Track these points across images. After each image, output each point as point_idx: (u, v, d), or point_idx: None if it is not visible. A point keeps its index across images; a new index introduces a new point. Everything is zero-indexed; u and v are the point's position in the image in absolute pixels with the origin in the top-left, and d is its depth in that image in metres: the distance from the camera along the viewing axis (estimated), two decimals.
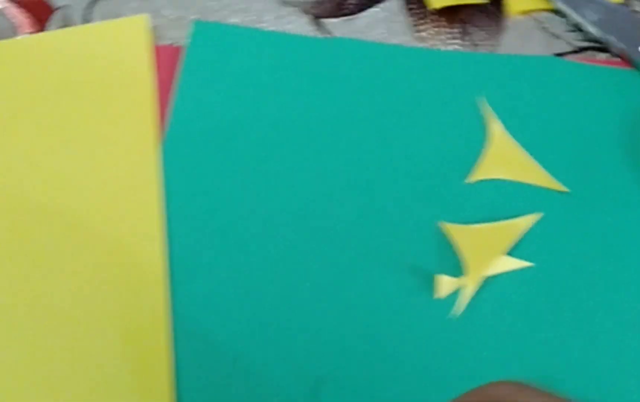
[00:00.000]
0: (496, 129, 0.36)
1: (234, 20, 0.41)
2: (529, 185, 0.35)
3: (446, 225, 0.34)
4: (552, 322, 0.32)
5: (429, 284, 0.33)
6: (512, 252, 0.33)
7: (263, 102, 0.38)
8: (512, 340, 0.31)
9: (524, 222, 0.34)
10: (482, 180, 0.35)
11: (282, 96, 0.38)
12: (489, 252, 0.33)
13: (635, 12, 0.39)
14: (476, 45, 0.39)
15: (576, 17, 0.39)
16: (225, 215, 0.34)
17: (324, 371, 0.31)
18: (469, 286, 0.32)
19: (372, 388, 0.31)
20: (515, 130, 0.36)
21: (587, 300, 0.32)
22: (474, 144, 0.36)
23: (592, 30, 0.38)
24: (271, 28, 0.41)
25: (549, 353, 0.31)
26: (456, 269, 0.33)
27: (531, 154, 0.35)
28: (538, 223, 0.34)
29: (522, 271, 0.33)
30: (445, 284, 0.32)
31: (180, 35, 0.40)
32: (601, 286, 0.32)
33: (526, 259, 0.33)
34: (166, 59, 0.39)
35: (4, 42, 0.40)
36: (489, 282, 0.33)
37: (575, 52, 0.38)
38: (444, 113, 0.37)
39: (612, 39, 0.38)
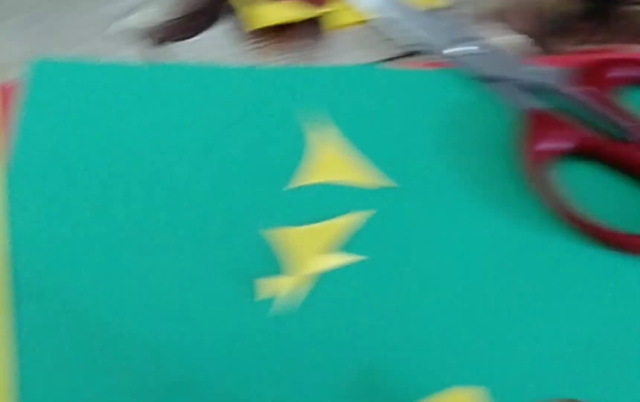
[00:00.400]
0: (319, 136, 0.37)
1: (74, 51, 0.41)
2: (349, 186, 0.35)
3: (270, 231, 0.34)
4: (384, 309, 0.33)
5: (253, 288, 0.33)
6: (346, 248, 0.34)
7: (102, 132, 0.38)
8: (349, 330, 0.32)
9: (351, 219, 0.34)
10: (307, 186, 0.36)
11: (118, 125, 0.38)
12: (313, 251, 0.34)
13: (442, 17, 0.42)
14: (297, 60, 0.40)
15: (390, 27, 0.41)
16: (68, 240, 0.35)
17: (155, 380, 0.31)
18: (290, 285, 0.33)
19: (200, 392, 0.31)
20: (335, 135, 0.37)
21: (416, 286, 0.33)
22: (298, 152, 0.37)
23: (407, 36, 0.40)
24: (111, 58, 0.41)
25: (383, 339, 0.32)
26: (280, 271, 0.33)
27: (354, 156, 0.36)
28: (371, 219, 0.35)
29: (355, 264, 0.34)
30: (264, 286, 0.33)
31: (19, 72, 0.40)
32: (427, 271, 0.33)
33: (359, 254, 0.34)
34: (6, 97, 0.39)
35: None
36: (323, 279, 0.33)
37: (390, 59, 0.40)
38: (268, 126, 0.38)
39: (424, 43, 0.40)
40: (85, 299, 0.34)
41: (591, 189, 0.35)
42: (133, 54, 0.41)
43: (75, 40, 0.42)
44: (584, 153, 0.36)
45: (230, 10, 0.43)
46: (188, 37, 0.42)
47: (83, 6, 0.43)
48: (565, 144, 0.35)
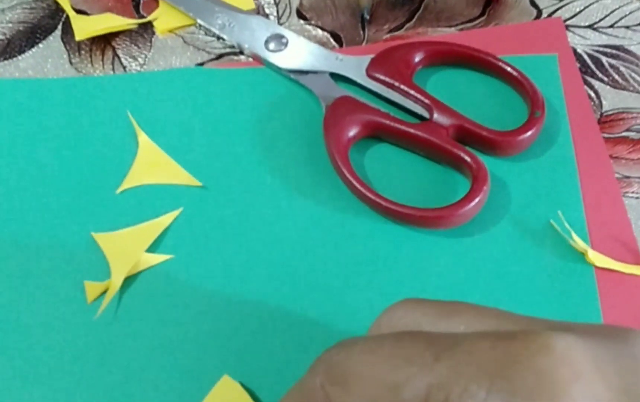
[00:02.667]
0: (142, 139, 0.39)
1: None
2: (171, 186, 0.38)
3: (95, 234, 0.36)
4: (192, 305, 0.34)
5: (84, 292, 0.35)
6: (154, 248, 0.36)
7: None
8: (159, 328, 0.34)
9: (164, 220, 0.37)
10: (131, 189, 0.38)
11: None
12: (131, 253, 0.36)
13: (264, 15, 0.44)
14: (125, 67, 0.42)
15: (213, 29, 0.43)
16: None
17: None
18: (112, 287, 0.35)
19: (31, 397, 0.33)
20: (161, 138, 0.39)
21: (222, 280, 0.35)
22: (126, 157, 0.39)
23: (227, 37, 0.42)
24: None
25: (192, 333, 0.34)
26: (107, 274, 0.35)
27: (174, 158, 0.39)
28: (178, 218, 0.37)
29: (163, 264, 0.36)
30: (92, 288, 0.35)
31: None
32: (235, 266, 0.35)
33: (168, 253, 0.36)
34: None
35: None
36: (134, 280, 0.35)
37: (214, 59, 0.42)
38: (97, 134, 0.40)
39: (243, 43, 0.42)
40: None
41: (389, 169, 0.38)
42: None
43: None
44: (383, 136, 0.38)
45: (64, 23, 0.44)
46: (24, 52, 0.43)
47: None
48: (365, 130, 0.38)
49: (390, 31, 0.43)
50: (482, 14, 0.43)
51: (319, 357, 0.24)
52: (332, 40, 0.43)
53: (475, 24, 0.43)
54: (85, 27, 0.43)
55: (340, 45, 0.42)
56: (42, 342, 0.34)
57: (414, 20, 0.43)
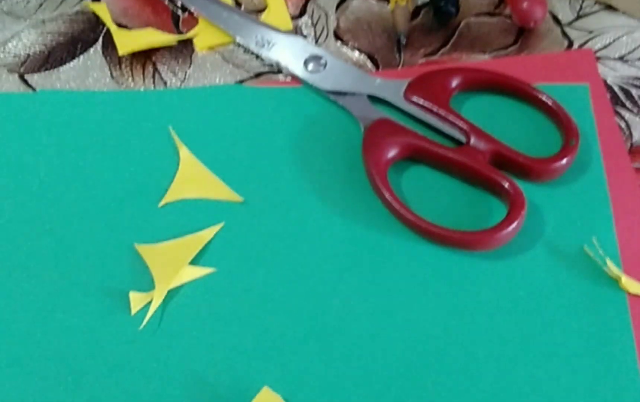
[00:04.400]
0: (183, 154, 0.40)
1: None
2: (212, 200, 0.39)
3: (139, 246, 0.37)
4: (234, 319, 0.35)
5: (128, 303, 0.36)
6: (196, 262, 0.37)
7: None
8: (202, 340, 0.35)
9: (207, 234, 0.37)
10: (173, 202, 0.39)
11: None
12: (175, 265, 0.36)
13: (302, 36, 0.45)
14: (165, 82, 0.43)
15: (252, 47, 0.44)
16: None
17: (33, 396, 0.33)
18: (156, 298, 0.36)
19: None
20: (201, 153, 0.40)
21: (264, 295, 0.36)
22: (168, 171, 0.40)
23: (266, 56, 0.43)
24: None
25: (234, 345, 0.34)
26: (150, 285, 0.36)
27: (215, 173, 0.39)
28: (219, 232, 0.38)
29: (206, 277, 0.36)
30: (136, 299, 0.36)
31: None
32: (276, 281, 0.36)
33: (210, 266, 0.37)
34: None
35: None
36: (177, 292, 0.36)
37: (254, 77, 0.43)
38: (139, 147, 0.41)
39: (282, 62, 0.43)
40: None
41: (427, 191, 0.39)
42: (10, 84, 0.43)
43: None
44: (420, 158, 0.39)
45: (105, 36, 0.45)
46: (65, 63, 0.44)
47: None
48: (403, 152, 0.39)
49: (426, 56, 0.44)
50: (514, 43, 0.44)
51: None
52: (368, 62, 0.44)
53: (508, 51, 0.44)
54: (127, 42, 0.44)
55: (377, 67, 0.43)
56: (85, 351, 0.35)
57: (448, 45, 0.44)
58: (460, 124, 0.39)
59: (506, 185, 0.37)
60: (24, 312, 0.36)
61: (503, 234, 0.36)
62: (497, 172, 0.37)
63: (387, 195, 0.37)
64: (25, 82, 0.43)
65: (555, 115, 0.40)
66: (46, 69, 0.44)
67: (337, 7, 0.46)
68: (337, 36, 0.45)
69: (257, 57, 0.44)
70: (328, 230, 0.38)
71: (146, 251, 0.37)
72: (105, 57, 0.44)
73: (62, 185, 0.39)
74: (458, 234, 0.36)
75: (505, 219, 0.36)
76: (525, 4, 0.43)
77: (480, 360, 0.34)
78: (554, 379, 0.33)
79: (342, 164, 0.40)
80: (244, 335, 0.35)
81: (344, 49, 0.44)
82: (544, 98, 0.40)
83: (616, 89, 0.42)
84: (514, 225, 0.36)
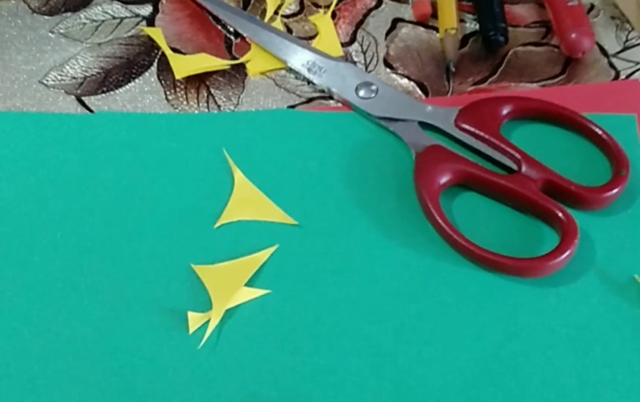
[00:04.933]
0: (238, 176, 0.41)
1: (9, 104, 0.44)
2: (266, 223, 0.39)
3: (196, 266, 0.38)
4: (290, 340, 0.36)
5: (184, 322, 0.37)
6: (251, 283, 0.37)
7: (33, 180, 0.41)
8: (258, 361, 0.35)
9: (262, 256, 0.38)
10: (228, 224, 0.40)
11: (51, 171, 0.41)
12: (231, 286, 0.37)
13: (352, 62, 0.46)
14: (219, 106, 0.44)
15: (304, 73, 0.45)
16: None
17: None
18: (214, 318, 0.36)
19: None
20: (255, 176, 0.41)
21: (318, 317, 0.36)
22: (222, 193, 0.41)
23: (317, 82, 0.44)
24: (36, 111, 0.44)
25: (290, 367, 0.35)
26: (207, 305, 0.37)
27: (268, 196, 0.40)
28: (274, 255, 0.38)
29: (261, 298, 0.37)
30: (194, 319, 0.36)
31: None
32: (330, 304, 0.37)
33: (264, 288, 0.37)
34: None
35: None
36: (233, 313, 0.37)
37: (305, 102, 0.44)
38: (194, 169, 0.42)
39: (333, 88, 0.44)
40: (15, 341, 0.36)
41: (478, 217, 0.39)
42: (67, 105, 0.45)
43: (10, 93, 0.45)
44: (472, 185, 0.40)
45: (160, 60, 0.46)
46: (121, 86, 0.45)
47: (12, 62, 0.47)
48: (455, 178, 0.39)
49: (475, 84, 0.45)
50: (562, 72, 0.45)
51: None
52: (417, 89, 0.44)
53: (555, 81, 0.44)
54: (183, 66, 0.45)
55: (426, 94, 0.44)
56: (144, 370, 0.35)
57: (497, 74, 0.45)
58: (512, 152, 0.40)
59: (559, 214, 0.37)
60: (83, 332, 0.36)
61: (556, 262, 0.36)
62: (549, 200, 0.38)
63: (439, 220, 0.38)
64: (83, 103, 0.45)
65: (605, 144, 0.40)
66: (103, 92, 0.45)
67: (387, 34, 0.47)
68: (387, 63, 0.46)
69: (309, 82, 0.45)
70: (380, 254, 0.38)
71: (203, 271, 0.38)
72: (160, 81, 0.45)
73: (120, 206, 0.40)
74: (512, 260, 0.37)
75: (558, 247, 0.37)
76: (573, 35, 0.44)
77: (531, 387, 0.34)
78: None
79: (393, 189, 0.40)
80: (299, 356, 0.36)
81: (394, 76, 0.45)
82: (594, 128, 0.40)
83: None
84: (567, 253, 0.36)
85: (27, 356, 0.36)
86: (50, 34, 0.48)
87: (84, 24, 0.48)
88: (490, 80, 0.45)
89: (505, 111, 0.42)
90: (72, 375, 0.35)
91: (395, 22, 0.48)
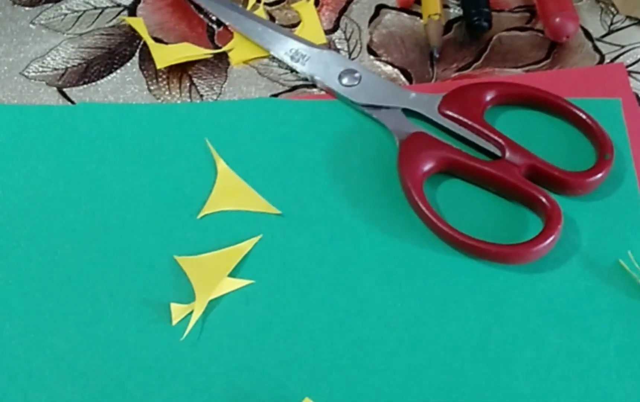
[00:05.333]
0: (221, 167, 0.41)
1: None
2: (249, 213, 0.39)
3: (178, 258, 0.38)
4: (274, 331, 0.36)
5: (168, 314, 0.36)
6: (235, 273, 0.37)
7: (14, 173, 0.41)
8: (242, 351, 0.35)
9: (245, 246, 0.38)
10: (211, 214, 0.39)
11: (33, 164, 0.41)
12: (214, 277, 0.37)
13: (336, 50, 0.46)
14: (202, 95, 0.44)
15: (287, 61, 0.44)
16: None
17: None
18: (197, 309, 0.36)
19: None
20: (238, 166, 0.41)
21: (302, 307, 0.36)
22: (205, 183, 0.40)
23: (301, 70, 0.44)
24: (18, 103, 0.44)
25: (274, 357, 0.35)
26: (190, 296, 0.37)
27: (251, 185, 0.40)
28: (257, 245, 0.38)
29: (245, 288, 0.37)
30: (177, 311, 0.36)
31: None
32: (314, 293, 0.37)
33: (248, 278, 0.37)
34: None
35: None
36: (216, 304, 0.37)
37: (289, 91, 0.44)
38: (177, 159, 0.41)
39: (316, 76, 0.44)
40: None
41: (462, 204, 0.39)
42: (48, 97, 0.44)
43: None
44: (456, 172, 0.40)
45: (142, 50, 0.46)
46: (102, 77, 0.45)
47: None
48: (439, 165, 0.39)
49: (459, 70, 0.44)
50: (546, 57, 0.45)
51: None
52: (401, 76, 0.44)
53: (540, 66, 0.44)
54: (164, 56, 0.45)
55: (410, 81, 0.44)
56: (127, 362, 0.35)
57: (481, 60, 0.45)
58: (496, 138, 0.39)
59: (543, 199, 0.37)
60: (65, 324, 0.36)
61: (540, 248, 0.36)
62: (533, 186, 0.38)
63: (423, 207, 0.38)
64: (64, 95, 0.44)
65: (589, 129, 0.40)
66: (84, 83, 0.45)
67: (370, 21, 0.47)
68: (371, 50, 0.46)
69: (292, 71, 0.45)
70: (364, 242, 0.38)
71: (186, 262, 0.38)
72: (142, 71, 0.45)
73: (101, 197, 0.40)
74: (495, 247, 0.36)
75: (541, 233, 0.36)
76: (557, 19, 0.44)
77: (516, 373, 0.34)
78: (590, 391, 0.34)
79: (377, 176, 0.40)
80: (283, 346, 0.35)
81: (378, 63, 0.45)
82: (578, 112, 0.40)
83: None
84: (550, 239, 0.36)
85: (7, 348, 0.36)
86: (31, 25, 0.48)
87: (65, 14, 0.48)
88: (474, 66, 0.44)
89: (489, 97, 0.41)
90: (54, 367, 0.35)
91: (379, 8, 0.48)
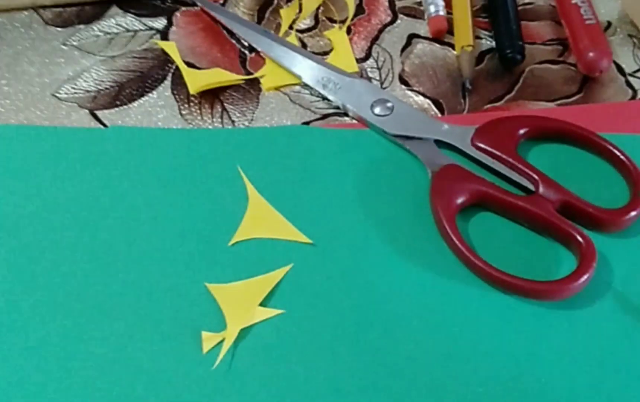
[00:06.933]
0: (252, 194, 0.41)
1: (12, 120, 0.44)
2: (280, 241, 0.39)
3: (210, 285, 0.38)
4: (305, 361, 0.36)
5: (198, 341, 0.36)
6: (266, 303, 0.37)
7: (46, 195, 0.41)
8: (273, 381, 0.35)
9: (277, 275, 0.38)
10: (242, 242, 0.39)
11: (61, 186, 0.41)
12: (246, 305, 0.37)
13: (368, 79, 0.46)
14: (234, 121, 0.44)
15: (318, 89, 0.44)
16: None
17: None
18: (228, 338, 0.36)
19: None
20: (269, 193, 0.41)
21: (333, 338, 0.36)
22: (236, 210, 0.40)
23: (333, 98, 0.44)
24: (49, 124, 0.44)
25: (305, 387, 0.35)
26: (221, 325, 0.37)
27: (282, 213, 0.40)
28: (288, 274, 0.38)
29: (275, 318, 0.37)
30: (208, 339, 0.36)
31: None
32: (345, 324, 0.37)
33: (278, 307, 0.37)
34: None
35: None
36: (247, 332, 0.36)
37: (320, 119, 0.44)
38: (208, 185, 0.41)
39: (348, 105, 0.44)
40: (28, 358, 0.36)
41: (495, 238, 0.39)
42: (80, 118, 0.44)
43: (23, 106, 0.45)
44: (489, 206, 0.39)
45: (174, 74, 0.46)
46: (134, 100, 0.45)
47: (25, 75, 0.46)
48: (472, 198, 0.39)
49: (491, 102, 0.44)
50: (579, 91, 0.44)
51: None
52: (433, 106, 0.44)
53: (572, 100, 0.44)
54: (197, 81, 0.45)
55: (442, 112, 0.44)
56: (158, 390, 0.35)
57: (513, 92, 0.45)
58: (529, 172, 0.39)
59: (577, 236, 0.37)
60: (97, 350, 0.36)
61: (574, 286, 0.36)
62: (567, 223, 0.38)
63: (456, 241, 0.37)
64: (96, 117, 0.44)
65: (622, 165, 0.40)
66: (116, 106, 0.45)
67: (402, 50, 0.47)
68: (402, 80, 0.46)
69: (324, 98, 0.45)
70: (396, 275, 0.38)
71: (218, 290, 0.37)
72: (175, 95, 0.45)
73: (133, 222, 0.40)
74: (528, 283, 0.36)
75: (576, 271, 0.36)
76: (591, 54, 0.44)
77: None
78: None
79: (409, 208, 0.40)
80: (313, 377, 0.35)
81: (409, 92, 0.45)
82: (611, 148, 0.40)
83: None
84: (585, 277, 0.36)
85: (41, 373, 0.35)
86: (63, 47, 0.48)
87: (97, 36, 0.48)
88: (506, 98, 0.44)
89: (522, 130, 0.41)
90: (85, 395, 0.35)
91: (411, 38, 0.48)
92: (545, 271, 0.38)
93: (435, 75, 0.46)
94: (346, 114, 0.44)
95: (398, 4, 0.50)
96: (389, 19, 0.49)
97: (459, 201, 0.39)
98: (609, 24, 0.48)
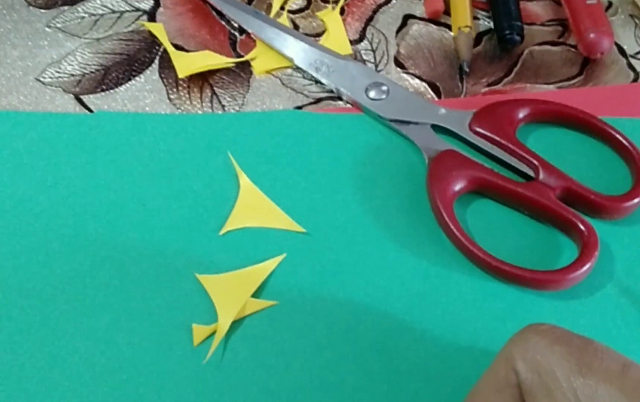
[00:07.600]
0: (243, 181, 0.39)
1: (4, 102, 0.42)
2: (273, 230, 0.38)
3: (200, 276, 0.37)
4: (298, 353, 0.35)
5: (189, 334, 0.35)
6: (258, 294, 0.36)
7: (30, 183, 0.39)
8: (265, 373, 0.34)
9: (269, 265, 0.37)
10: (233, 231, 0.38)
11: (46, 173, 0.40)
12: (238, 297, 0.36)
13: (362, 61, 0.44)
14: (224, 106, 0.43)
15: (311, 72, 0.43)
16: None
17: None
18: (220, 331, 0.35)
19: None
20: (261, 180, 0.39)
21: (327, 328, 0.35)
22: (227, 198, 0.39)
23: (326, 82, 0.43)
24: (33, 109, 0.42)
25: (297, 379, 0.34)
26: (212, 317, 0.35)
27: (275, 201, 0.39)
28: (281, 264, 0.37)
29: (268, 309, 0.36)
30: (199, 332, 0.35)
31: None
32: (339, 314, 0.36)
33: (271, 298, 0.36)
34: None
35: None
36: (239, 325, 0.35)
37: (313, 103, 0.43)
38: (198, 172, 0.40)
39: (342, 89, 0.42)
40: (17, 351, 0.35)
41: (494, 226, 0.38)
42: (65, 103, 0.43)
43: (5, 91, 0.43)
44: (487, 192, 0.38)
45: (162, 57, 0.45)
46: (121, 84, 0.44)
47: (7, 58, 0.45)
48: (470, 185, 0.38)
49: (489, 85, 0.43)
50: (579, 73, 0.43)
51: (513, 342, 0.28)
52: (429, 89, 0.43)
53: (572, 82, 0.43)
54: (186, 64, 0.43)
55: (438, 95, 0.43)
56: (148, 383, 0.34)
57: (512, 75, 0.43)
58: (529, 158, 0.38)
59: (579, 224, 0.36)
60: (84, 343, 0.35)
61: (576, 275, 0.35)
62: (568, 210, 0.37)
63: (453, 228, 0.36)
64: (81, 102, 0.43)
65: (625, 151, 0.39)
66: (102, 90, 0.43)
67: (397, 32, 0.46)
68: (398, 62, 0.44)
69: (317, 82, 0.43)
70: (392, 264, 0.37)
71: (208, 281, 0.36)
72: (162, 79, 0.44)
73: (120, 211, 0.39)
74: (529, 273, 0.35)
75: (577, 260, 0.35)
76: (592, 35, 0.42)
77: None
78: None
79: (405, 194, 0.39)
80: (307, 369, 0.34)
81: (405, 75, 0.44)
82: (613, 133, 0.39)
83: None
84: (587, 266, 0.35)
85: (30, 364, 0.34)
86: (47, 28, 0.46)
87: (82, 17, 0.47)
88: (505, 80, 0.43)
89: (521, 114, 0.40)
90: (75, 389, 0.34)
91: (406, 18, 0.46)
92: (545, 260, 0.37)
93: (432, 58, 0.45)
94: (340, 98, 0.43)
95: None
96: None
97: (457, 187, 0.38)
98: (610, 4, 0.47)
